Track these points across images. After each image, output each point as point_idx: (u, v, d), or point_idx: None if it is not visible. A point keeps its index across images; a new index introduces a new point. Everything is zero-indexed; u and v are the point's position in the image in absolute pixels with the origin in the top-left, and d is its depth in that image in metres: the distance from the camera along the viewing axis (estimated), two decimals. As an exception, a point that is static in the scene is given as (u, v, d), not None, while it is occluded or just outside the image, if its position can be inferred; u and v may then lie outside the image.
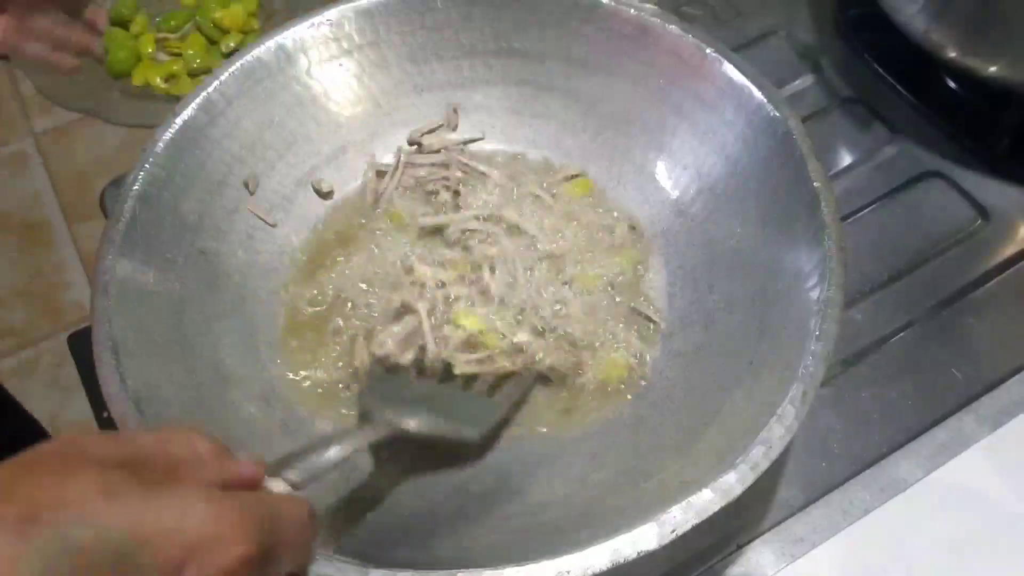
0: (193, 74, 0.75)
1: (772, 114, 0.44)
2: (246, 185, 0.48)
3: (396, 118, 0.52)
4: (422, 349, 0.43)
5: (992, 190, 0.54)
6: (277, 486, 0.28)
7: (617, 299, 0.47)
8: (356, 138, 0.52)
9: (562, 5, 0.50)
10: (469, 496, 0.40)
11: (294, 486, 0.29)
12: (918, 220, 0.53)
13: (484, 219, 0.48)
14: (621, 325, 0.46)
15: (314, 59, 0.50)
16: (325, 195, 0.51)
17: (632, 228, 0.49)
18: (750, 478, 0.33)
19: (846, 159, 0.56)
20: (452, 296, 0.45)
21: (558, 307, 0.46)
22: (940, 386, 0.47)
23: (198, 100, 0.47)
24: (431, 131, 0.53)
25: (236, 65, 0.48)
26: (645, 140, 0.50)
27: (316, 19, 0.50)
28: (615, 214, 0.50)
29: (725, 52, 0.46)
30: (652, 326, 0.46)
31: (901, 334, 0.49)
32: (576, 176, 0.51)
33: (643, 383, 0.44)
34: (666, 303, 0.47)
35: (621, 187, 0.51)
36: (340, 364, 0.45)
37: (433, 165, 0.51)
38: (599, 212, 0.50)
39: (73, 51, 0.57)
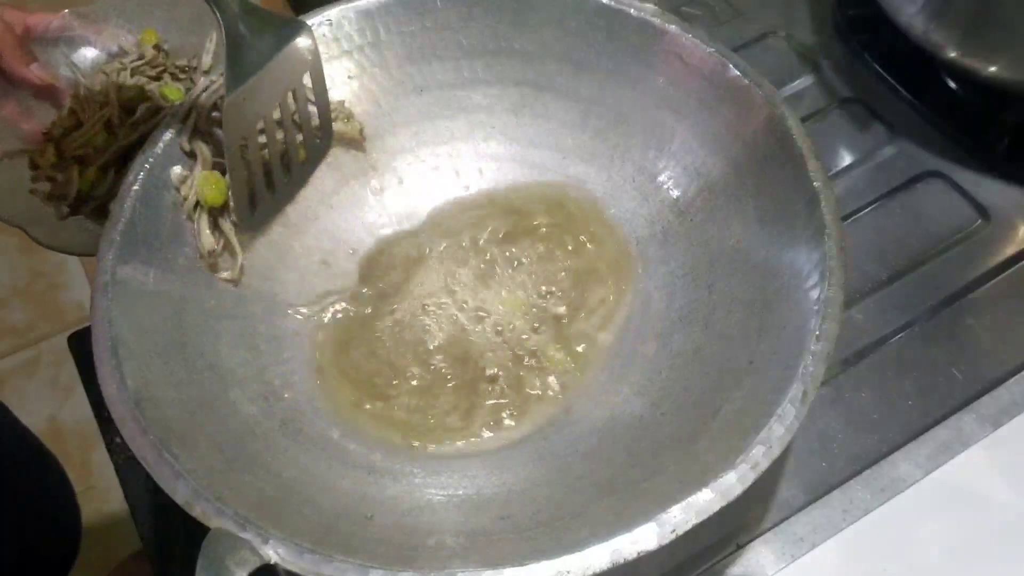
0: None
1: (772, 114, 0.44)
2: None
3: (396, 118, 0.52)
4: None
5: (992, 190, 0.54)
6: None
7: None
8: (356, 138, 0.52)
9: (562, 5, 0.50)
10: (466, 496, 0.40)
11: None
12: (918, 220, 0.53)
13: None
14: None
15: (314, 59, 0.50)
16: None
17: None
18: (750, 478, 0.33)
19: (846, 159, 0.56)
20: None
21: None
22: (940, 386, 0.47)
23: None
24: None
25: (236, 65, 0.48)
26: (645, 140, 0.50)
27: (316, 19, 0.49)
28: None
29: (725, 52, 0.46)
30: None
31: (901, 334, 0.49)
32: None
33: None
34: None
35: (621, 187, 0.51)
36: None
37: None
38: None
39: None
